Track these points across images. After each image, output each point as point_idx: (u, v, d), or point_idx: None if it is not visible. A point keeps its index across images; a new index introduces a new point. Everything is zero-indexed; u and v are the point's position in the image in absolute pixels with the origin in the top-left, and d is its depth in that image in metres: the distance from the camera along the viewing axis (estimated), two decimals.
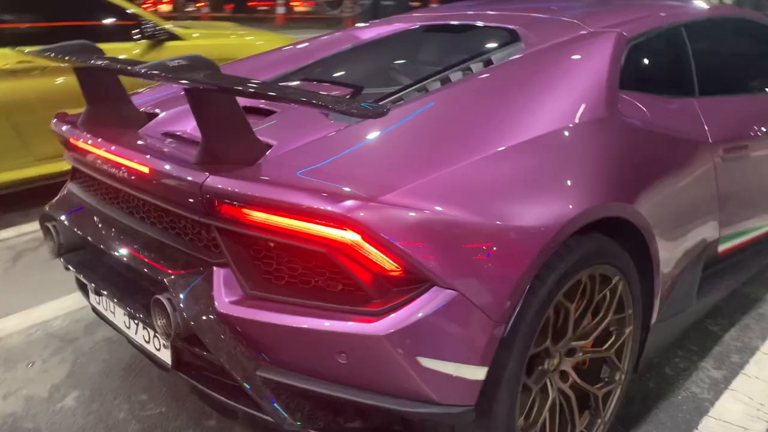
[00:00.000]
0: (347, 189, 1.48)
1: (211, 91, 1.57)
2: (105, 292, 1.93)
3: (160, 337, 1.79)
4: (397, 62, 2.71)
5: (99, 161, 1.96)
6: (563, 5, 2.80)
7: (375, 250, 1.47)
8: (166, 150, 1.85)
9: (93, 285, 2.00)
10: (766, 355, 2.68)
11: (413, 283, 1.49)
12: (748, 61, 3.01)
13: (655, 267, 2.06)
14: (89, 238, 2.02)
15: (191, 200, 1.62)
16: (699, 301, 2.42)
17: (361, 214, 1.43)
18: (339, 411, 1.66)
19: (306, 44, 2.93)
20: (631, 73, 2.22)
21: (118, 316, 2.01)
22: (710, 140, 2.34)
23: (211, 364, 1.73)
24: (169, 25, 4.96)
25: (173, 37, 4.84)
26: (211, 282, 1.63)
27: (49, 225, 2.13)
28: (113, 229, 2.00)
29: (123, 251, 1.90)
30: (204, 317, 1.60)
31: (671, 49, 2.52)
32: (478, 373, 1.56)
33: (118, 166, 1.85)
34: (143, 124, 2.08)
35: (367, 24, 3.09)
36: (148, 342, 1.90)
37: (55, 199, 2.29)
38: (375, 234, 1.44)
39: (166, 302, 1.60)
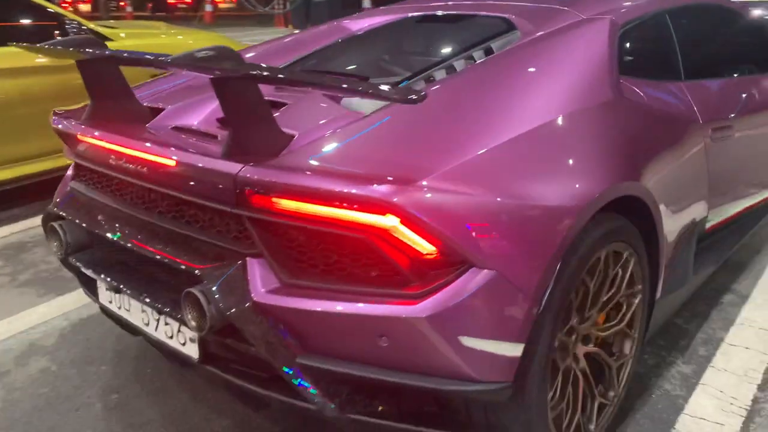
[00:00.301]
0: (384, 174, 1.50)
1: (241, 81, 1.57)
2: (126, 289, 1.89)
3: (191, 331, 1.71)
4: (396, 52, 2.68)
5: (114, 157, 1.91)
6: None
7: (413, 234, 1.49)
8: (187, 143, 1.82)
9: (111, 282, 1.94)
10: (731, 346, 2.67)
11: (451, 265, 1.53)
12: (724, 46, 3.11)
13: (660, 242, 2.13)
14: (106, 235, 1.94)
15: (223, 192, 1.61)
16: (694, 276, 2.50)
17: (400, 198, 1.46)
18: (375, 395, 1.67)
19: (296, 37, 2.91)
20: (624, 59, 2.28)
21: (135, 313, 1.95)
22: (700, 121, 2.45)
23: (242, 355, 1.71)
24: (93, 25, 4.66)
25: (100, 37, 4.54)
26: (245, 272, 1.62)
27: (55, 225, 2.05)
28: (130, 225, 1.94)
29: (144, 247, 1.84)
30: (241, 308, 1.58)
31: (658, 35, 2.61)
32: (515, 349, 1.61)
33: (138, 161, 1.82)
34: (149, 119, 2.04)
35: (357, 15, 3.06)
36: (171, 338, 1.85)
37: (57, 198, 2.23)
38: (415, 217, 1.47)
39: (199, 295, 1.56)
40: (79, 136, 2.03)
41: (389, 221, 1.47)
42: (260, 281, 1.60)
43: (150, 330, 1.91)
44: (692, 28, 2.78)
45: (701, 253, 2.56)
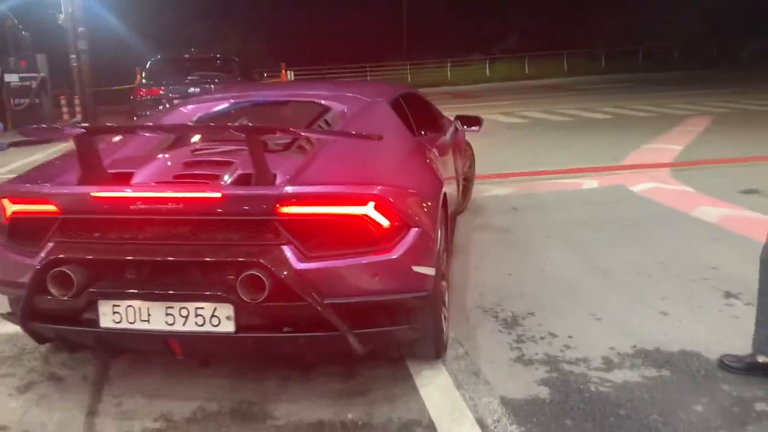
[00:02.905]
0: (362, 181, 2.72)
1: (265, 135, 2.84)
2: (171, 294, 2.57)
3: (228, 311, 2.55)
4: (273, 119, 3.88)
5: (140, 203, 2.62)
6: (329, 87, 4.56)
7: (379, 215, 2.65)
8: (213, 180, 2.72)
9: (150, 294, 2.58)
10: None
11: (400, 229, 2.72)
12: (421, 118, 4.52)
13: (448, 222, 3.68)
14: (141, 259, 2.60)
15: (264, 207, 2.58)
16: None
17: (377, 192, 2.65)
18: (365, 315, 2.74)
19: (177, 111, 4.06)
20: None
21: (157, 318, 2.59)
22: (439, 154, 4.03)
23: (273, 315, 2.62)
24: None
25: None
26: (284, 255, 2.59)
27: (64, 269, 2.54)
28: (157, 252, 2.61)
29: (178, 263, 2.59)
30: (289, 274, 2.55)
31: (402, 109, 4.01)
32: (432, 271, 2.89)
33: (172, 200, 2.60)
34: (131, 172, 2.82)
35: (209, 97, 4.39)
36: (202, 324, 2.58)
37: (46, 251, 2.68)
38: (385, 202, 2.66)
39: (258, 273, 2.47)
40: (93, 195, 2.65)
41: (368, 208, 2.62)
42: (294, 258, 2.58)
43: (176, 327, 2.58)
44: (412, 105, 4.34)
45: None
